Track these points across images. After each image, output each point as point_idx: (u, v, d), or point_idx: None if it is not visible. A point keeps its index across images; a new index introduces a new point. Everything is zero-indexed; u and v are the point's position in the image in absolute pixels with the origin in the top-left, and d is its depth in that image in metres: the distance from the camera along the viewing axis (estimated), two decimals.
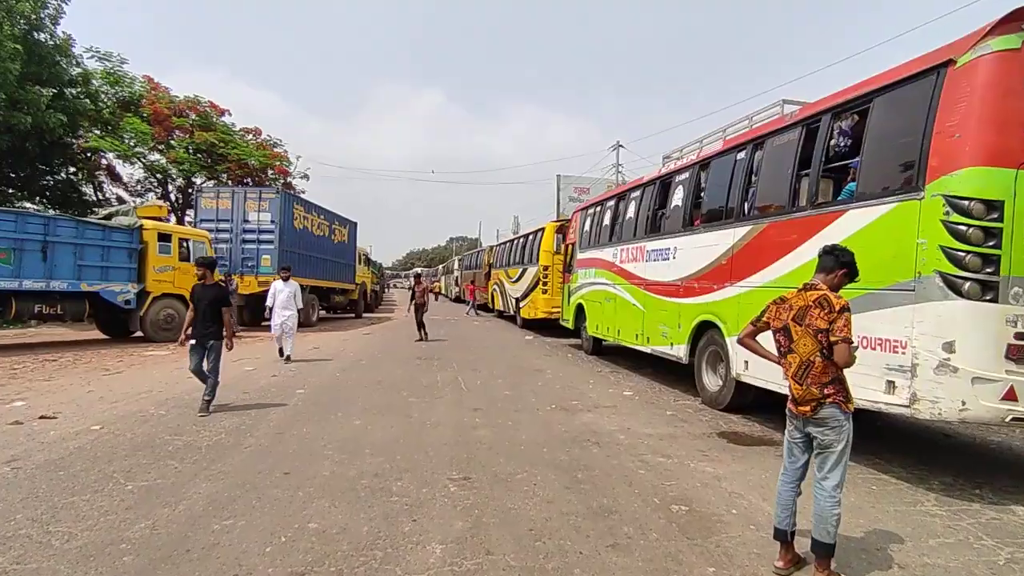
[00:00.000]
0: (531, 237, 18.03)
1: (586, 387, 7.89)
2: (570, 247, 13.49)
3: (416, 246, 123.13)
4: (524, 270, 18.20)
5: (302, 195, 26.02)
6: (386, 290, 61.81)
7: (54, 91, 17.14)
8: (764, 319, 2.79)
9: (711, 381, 6.84)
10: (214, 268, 7.21)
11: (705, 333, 6.88)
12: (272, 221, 15.21)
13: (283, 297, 10.01)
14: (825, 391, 2.54)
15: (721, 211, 6.66)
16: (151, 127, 19.91)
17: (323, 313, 23.86)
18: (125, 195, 25.48)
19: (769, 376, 5.30)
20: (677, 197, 7.80)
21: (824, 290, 2.62)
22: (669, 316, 7.68)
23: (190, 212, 19.73)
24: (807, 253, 4.90)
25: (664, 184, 8.47)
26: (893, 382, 4.04)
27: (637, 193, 9.43)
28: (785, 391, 2.80)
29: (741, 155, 6.40)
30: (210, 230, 15.24)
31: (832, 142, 4.91)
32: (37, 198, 21.16)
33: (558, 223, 15.54)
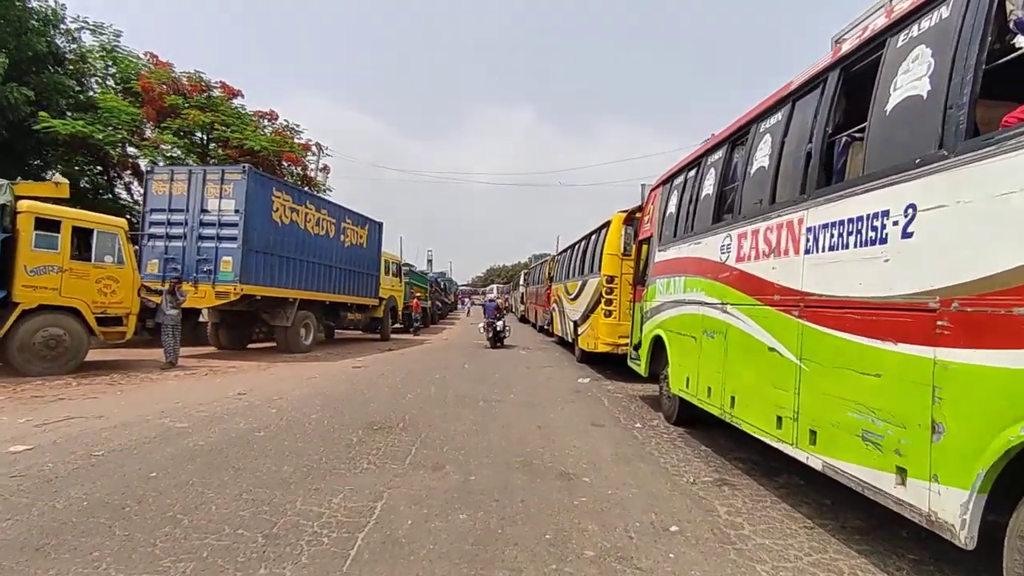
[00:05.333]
0: (593, 237, 13.49)
1: (659, 554, 3.31)
2: (644, 245, 8.90)
3: (498, 262, 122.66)
4: (583, 283, 13.68)
5: (327, 194, 23.06)
6: (459, 306, 59.27)
7: (16, 62, 14.85)
8: None
9: None
10: None
11: None
12: (236, 210, 11.72)
13: None
14: None
15: None
16: (140, 107, 17.41)
17: (353, 332, 20.58)
18: None
19: None
20: (913, 83, 3.09)
21: None
22: (891, 391, 2.96)
23: None
24: None
25: (853, 74, 3.81)
26: None
27: (775, 119, 4.79)
28: None
29: None
30: (161, 223, 12.05)
31: None
32: None
33: (627, 213, 10.91)
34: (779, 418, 4.12)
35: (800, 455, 3.80)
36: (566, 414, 7.58)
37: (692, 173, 6.90)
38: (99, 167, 22.51)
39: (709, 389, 5.55)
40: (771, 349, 4.30)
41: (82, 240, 9.25)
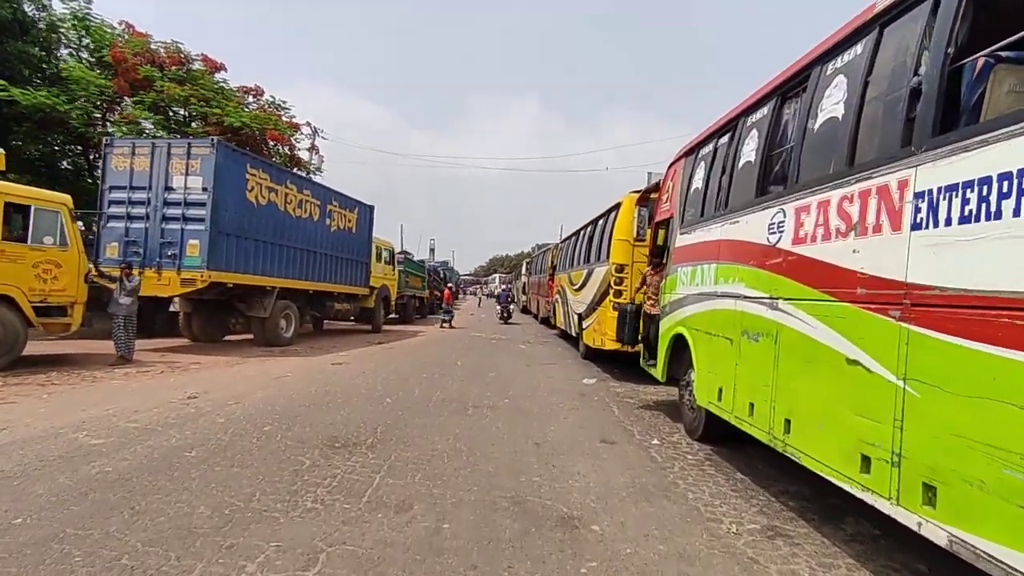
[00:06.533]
0: (600, 222, 12.33)
1: None
2: (661, 229, 7.77)
3: (501, 252, 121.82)
4: (589, 272, 12.54)
5: (317, 176, 21.88)
6: (461, 295, 58.48)
7: None
8: None
9: None
10: None
11: None
12: (204, 188, 10.58)
13: None
14: None
15: None
16: (111, 79, 16.23)
17: (346, 323, 19.43)
18: None
19: None
20: None
21: None
22: None
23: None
24: None
25: None
26: None
27: (853, 54, 3.63)
28: None
29: None
30: (121, 201, 10.93)
31: None
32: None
33: (640, 193, 9.73)
34: (865, 458, 3.00)
35: (906, 518, 2.68)
36: (569, 425, 6.48)
37: (725, 139, 5.74)
38: (79, 147, 21.37)
39: (751, 406, 4.42)
40: (851, 362, 3.17)
41: (16, 218, 8.13)
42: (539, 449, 5.40)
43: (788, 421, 3.85)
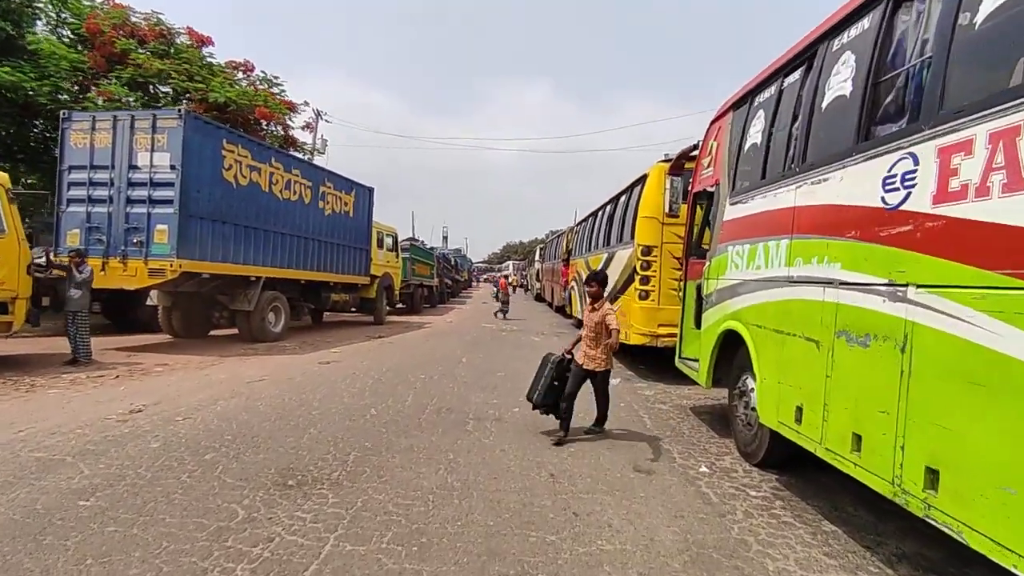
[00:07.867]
0: (623, 199, 10.98)
1: None
2: (699, 204, 6.48)
3: (514, 238, 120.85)
4: (610, 256, 11.22)
5: (316, 158, 20.66)
6: (473, 283, 57.76)
7: None
8: None
9: None
10: None
11: None
12: (172, 166, 9.38)
13: None
14: None
15: None
16: (85, 53, 15.08)
17: (351, 314, 18.30)
18: None
19: None
20: None
21: None
22: None
23: None
24: None
25: None
26: None
27: None
28: None
29: None
30: (81, 183, 9.78)
31: None
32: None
33: (671, 161, 8.32)
34: None
35: None
36: (592, 445, 5.23)
37: (795, 76, 4.40)
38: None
39: (858, 438, 3.12)
40: None
41: None
42: (555, 484, 4.16)
43: (934, 472, 2.56)
